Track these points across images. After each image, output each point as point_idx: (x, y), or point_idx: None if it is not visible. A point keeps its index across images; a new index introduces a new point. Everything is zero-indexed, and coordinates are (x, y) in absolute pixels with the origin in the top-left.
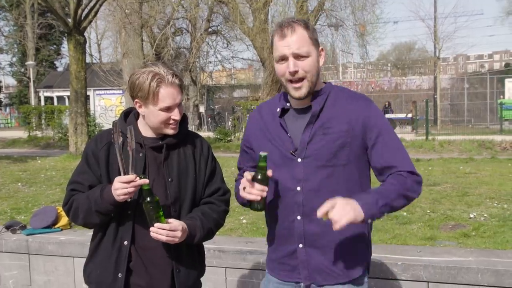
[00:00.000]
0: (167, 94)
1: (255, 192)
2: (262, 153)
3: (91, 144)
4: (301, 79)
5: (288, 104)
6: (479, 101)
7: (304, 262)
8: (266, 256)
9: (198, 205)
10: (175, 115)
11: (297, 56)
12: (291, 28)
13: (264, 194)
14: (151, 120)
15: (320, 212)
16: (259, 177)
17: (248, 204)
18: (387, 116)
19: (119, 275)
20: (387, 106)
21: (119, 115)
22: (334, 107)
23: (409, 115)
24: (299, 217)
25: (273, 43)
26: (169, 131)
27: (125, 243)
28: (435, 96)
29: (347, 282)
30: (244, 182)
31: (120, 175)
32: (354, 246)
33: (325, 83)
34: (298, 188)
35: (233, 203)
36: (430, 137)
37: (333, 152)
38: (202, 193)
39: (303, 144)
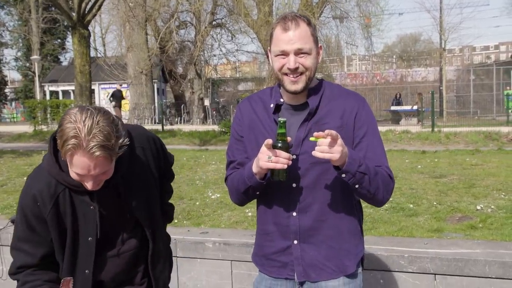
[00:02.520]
0: (79, 163)
1: (282, 160)
2: (282, 119)
3: (29, 206)
4: (300, 74)
5: (281, 100)
6: (485, 93)
7: (299, 258)
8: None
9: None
10: (88, 185)
11: (298, 53)
12: (295, 22)
13: (290, 162)
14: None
15: (317, 134)
16: (279, 144)
17: (270, 176)
18: (397, 108)
19: None
20: (398, 97)
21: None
22: (329, 103)
23: (415, 107)
24: (294, 214)
25: (274, 35)
26: (88, 187)
27: (87, 271)
28: (441, 88)
29: (341, 277)
30: (266, 151)
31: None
32: (348, 241)
33: (318, 79)
34: (294, 185)
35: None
36: (436, 129)
37: None
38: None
39: (298, 140)
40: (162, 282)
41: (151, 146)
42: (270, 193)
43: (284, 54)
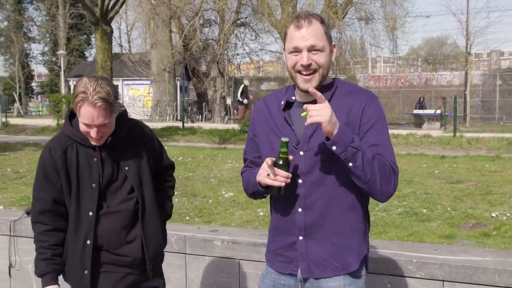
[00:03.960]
0: (85, 113)
1: (280, 179)
2: (284, 139)
3: (45, 156)
4: (313, 72)
5: (293, 98)
6: (511, 98)
7: (304, 254)
8: None
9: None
10: (93, 133)
11: (311, 49)
12: (308, 20)
13: (289, 180)
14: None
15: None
16: (280, 162)
17: (270, 190)
18: (419, 111)
19: (85, 271)
20: (421, 101)
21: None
22: (338, 101)
23: (438, 111)
24: (300, 210)
25: (287, 33)
26: (92, 142)
27: (88, 242)
28: (465, 93)
29: (343, 276)
30: (266, 168)
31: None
32: (350, 238)
33: (333, 79)
34: (300, 181)
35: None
36: (458, 134)
37: None
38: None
39: (305, 137)
40: (153, 246)
41: (152, 135)
42: None
43: (297, 51)
